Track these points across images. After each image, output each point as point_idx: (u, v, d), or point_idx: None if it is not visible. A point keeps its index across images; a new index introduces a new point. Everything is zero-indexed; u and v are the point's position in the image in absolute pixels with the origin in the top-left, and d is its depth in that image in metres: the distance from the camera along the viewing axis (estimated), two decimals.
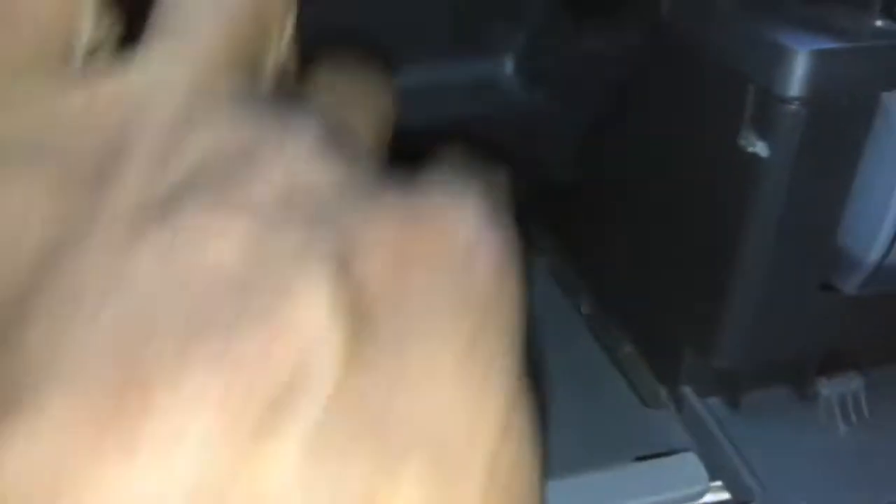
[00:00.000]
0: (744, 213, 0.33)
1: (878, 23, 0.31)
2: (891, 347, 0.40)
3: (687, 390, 0.39)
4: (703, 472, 0.37)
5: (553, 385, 0.42)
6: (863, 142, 0.31)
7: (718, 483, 0.37)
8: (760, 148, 0.31)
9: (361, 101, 0.22)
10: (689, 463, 0.37)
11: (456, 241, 0.16)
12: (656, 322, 0.41)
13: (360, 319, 0.14)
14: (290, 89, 0.21)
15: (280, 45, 0.20)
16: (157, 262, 0.14)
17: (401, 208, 0.16)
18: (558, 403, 0.41)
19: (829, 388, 0.38)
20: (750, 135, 0.32)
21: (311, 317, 0.14)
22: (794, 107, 0.30)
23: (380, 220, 0.16)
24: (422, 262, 0.16)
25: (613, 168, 0.44)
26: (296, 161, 0.17)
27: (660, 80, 0.38)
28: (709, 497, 0.37)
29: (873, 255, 0.32)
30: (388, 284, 0.15)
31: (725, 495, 0.36)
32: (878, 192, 0.31)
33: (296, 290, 0.14)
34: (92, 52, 0.17)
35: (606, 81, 0.42)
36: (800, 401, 0.39)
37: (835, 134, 0.31)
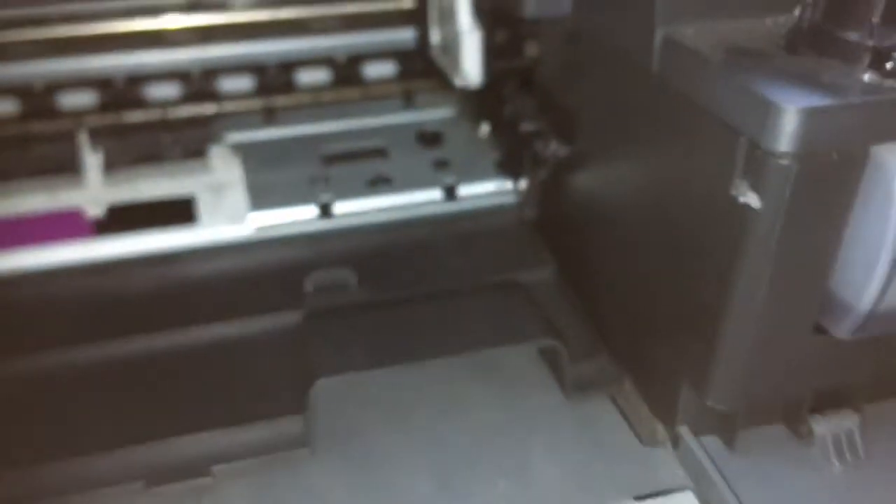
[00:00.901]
0: (736, 259, 0.33)
1: (866, 77, 0.31)
2: (885, 385, 0.41)
3: (683, 429, 0.39)
4: None
5: (549, 421, 0.42)
6: (853, 193, 0.32)
7: None
8: (752, 199, 0.32)
9: None
10: (688, 503, 0.38)
11: None
12: (653, 360, 0.41)
13: None
14: None
15: None
16: None
17: None
18: (555, 440, 0.41)
19: (823, 427, 0.39)
20: (741, 186, 0.32)
21: None
22: (785, 161, 0.30)
23: None
24: None
25: (608, 207, 0.45)
26: None
27: (652, 125, 0.39)
28: None
29: (864, 302, 0.33)
30: None
31: None
32: (869, 241, 0.32)
33: None
34: None
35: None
36: (795, 439, 0.39)
37: (825, 186, 0.31)
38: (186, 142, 0.60)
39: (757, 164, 0.31)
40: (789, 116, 0.30)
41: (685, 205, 0.37)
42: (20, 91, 0.62)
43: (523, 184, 0.56)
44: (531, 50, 0.57)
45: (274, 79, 0.66)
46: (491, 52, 0.57)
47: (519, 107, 0.55)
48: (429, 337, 0.43)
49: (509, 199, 0.57)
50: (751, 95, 0.31)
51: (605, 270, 0.46)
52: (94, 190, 0.53)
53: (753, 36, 0.36)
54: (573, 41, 0.47)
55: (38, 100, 0.62)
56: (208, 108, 0.64)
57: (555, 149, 0.49)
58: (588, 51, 0.45)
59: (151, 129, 0.62)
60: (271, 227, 0.53)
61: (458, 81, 0.59)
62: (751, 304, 0.34)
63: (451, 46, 0.60)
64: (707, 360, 0.36)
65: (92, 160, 0.54)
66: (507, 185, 0.58)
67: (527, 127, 0.52)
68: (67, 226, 0.51)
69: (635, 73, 0.39)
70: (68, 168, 0.57)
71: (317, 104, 0.66)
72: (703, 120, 0.34)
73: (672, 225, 0.38)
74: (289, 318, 0.47)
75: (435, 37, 0.64)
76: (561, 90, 0.50)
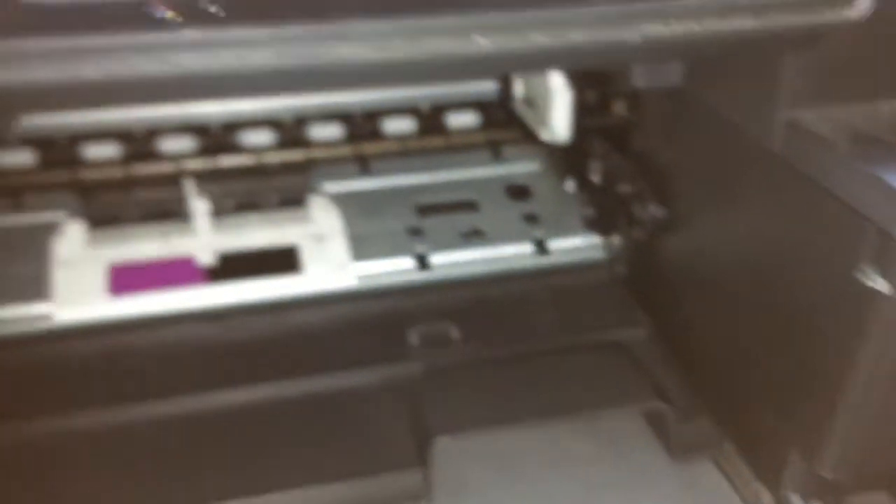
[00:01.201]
0: (860, 339, 0.35)
1: None
2: None
3: (793, 495, 0.41)
4: None
5: (655, 480, 0.44)
6: None
7: None
8: (881, 284, 0.33)
9: None
10: None
11: None
12: (758, 425, 0.43)
13: None
14: None
15: None
16: None
17: None
18: (662, 500, 0.43)
19: None
20: (868, 270, 0.34)
21: None
22: None
23: None
24: None
25: (709, 270, 0.46)
26: None
27: (765, 199, 0.40)
28: None
29: None
30: None
31: None
32: None
33: None
34: None
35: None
36: None
37: None
38: (283, 190, 0.62)
39: (888, 253, 0.33)
40: None
41: (798, 279, 0.39)
42: (122, 135, 0.65)
43: (615, 240, 0.58)
44: (619, 108, 0.59)
45: (361, 127, 0.69)
46: (579, 110, 0.59)
47: (611, 166, 0.57)
48: (540, 396, 0.44)
49: (597, 255, 0.59)
50: (884, 186, 0.33)
51: (703, 332, 0.48)
52: (205, 237, 0.55)
53: (874, 122, 0.37)
54: (679, 109, 0.48)
55: (139, 144, 0.65)
56: (301, 154, 0.66)
57: (653, 211, 0.51)
58: (695, 120, 0.47)
59: (248, 175, 0.64)
60: (372, 276, 0.55)
61: (545, 136, 0.61)
62: (872, 383, 0.35)
63: (538, 101, 0.62)
64: (822, 432, 0.37)
65: (200, 206, 0.56)
66: (595, 240, 0.59)
67: (623, 188, 0.53)
68: (180, 273, 0.53)
69: (750, 149, 0.41)
70: (172, 212, 0.59)
71: (403, 152, 0.68)
72: (826, 202, 0.36)
73: (782, 296, 0.40)
74: (396, 370, 0.48)
75: (518, 90, 0.66)
76: (659, 153, 0.51)
